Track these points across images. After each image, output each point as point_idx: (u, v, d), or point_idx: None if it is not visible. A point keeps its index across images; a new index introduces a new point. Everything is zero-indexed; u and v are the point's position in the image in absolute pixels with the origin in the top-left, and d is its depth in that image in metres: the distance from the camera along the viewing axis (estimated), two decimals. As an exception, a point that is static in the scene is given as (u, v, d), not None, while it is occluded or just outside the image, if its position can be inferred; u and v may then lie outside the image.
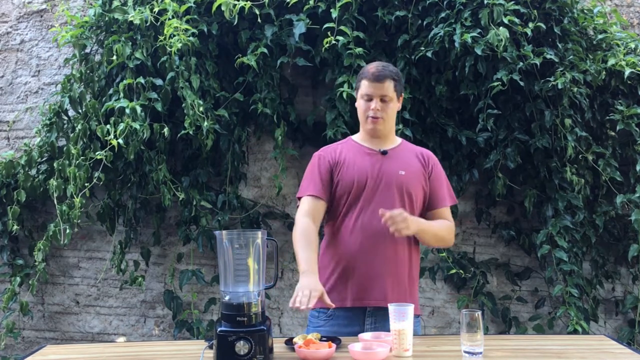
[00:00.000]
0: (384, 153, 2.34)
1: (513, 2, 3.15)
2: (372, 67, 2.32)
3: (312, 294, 2.00)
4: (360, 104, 2.35)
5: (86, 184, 3.20)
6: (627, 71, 3.21)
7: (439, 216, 2.39)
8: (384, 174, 2.30)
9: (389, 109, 2.31)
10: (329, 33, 3.19)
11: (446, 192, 2.41)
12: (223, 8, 3.19)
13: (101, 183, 3.23)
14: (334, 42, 3.16)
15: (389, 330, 2.00)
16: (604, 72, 3.26)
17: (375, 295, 2.25)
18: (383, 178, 2.29)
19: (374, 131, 2.33)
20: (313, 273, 2.12)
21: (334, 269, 2.30)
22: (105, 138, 3.14)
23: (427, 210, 2.39)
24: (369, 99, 2.30)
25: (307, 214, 2.27)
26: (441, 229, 2.34)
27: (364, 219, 2.27)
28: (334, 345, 1.95)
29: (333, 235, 2.34)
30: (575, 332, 3.12)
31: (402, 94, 2.40)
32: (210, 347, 1.96)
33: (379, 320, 2.25)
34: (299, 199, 2.36)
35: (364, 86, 2.31)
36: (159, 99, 3.24)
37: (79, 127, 3.28)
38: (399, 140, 2.45)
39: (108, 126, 3.16)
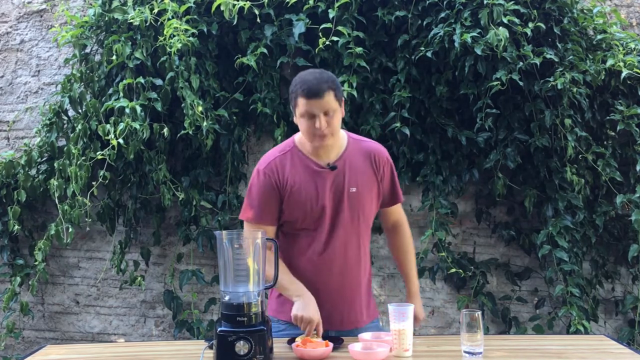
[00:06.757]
0: (333, 168, 2.17)
1: (513, 2, 3.15)
2: (306, 81, 2.06)
3: (312, 325, 2.04)
4: (302, 123, 2.10)
5: (93, 183, 3.20)
6: (625, 72, 3.21)
7: (394, 212, 2.37)
8: (336, 196, 2.17)
9: (334, 120, 2.08)
10: (320, 34, 3.19)
11: (398, 188, 2.34)
12: (222, 8, 3.19)
13: (107, 182, 3.24)
14: (329, 42, 3.16)
15: (355, 335, 2.07)
16: (603, 72, 3.26)
17: (331, 322, 2.18)
18: (335, 201, 2.17)
19: (323, 147, 2.15)
20: (307, 296, 2.10)
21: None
22: (106, 138, 3.15)
23: (382, 207, 2.33)
24: (311, 116, 2.06)
25: None
26: (412, 257, 2.43)
27: (319, 245, 2.18)
28: (330, 345, 1.95)
29: (285, 255, 2.23)
30: (577, 331, 3.13)
31: (344, 98, 2.18)
32: (210, 347, 1.96)
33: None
34: (242, 220, 2.24)
35: (302, 105, 2.06)
36: (159, 98, 3.24)
37: (79, 127, 3.28)
38: (344, 138, 2.24)
39: (108, 125, 3.17)
